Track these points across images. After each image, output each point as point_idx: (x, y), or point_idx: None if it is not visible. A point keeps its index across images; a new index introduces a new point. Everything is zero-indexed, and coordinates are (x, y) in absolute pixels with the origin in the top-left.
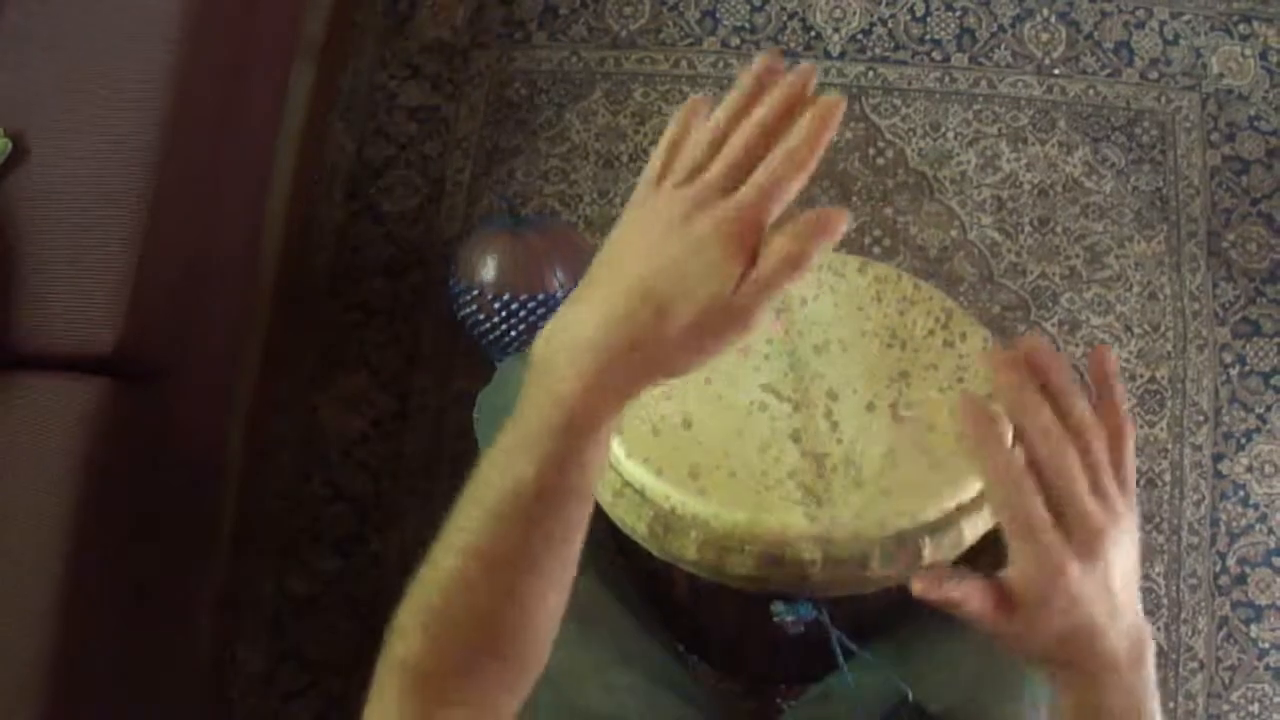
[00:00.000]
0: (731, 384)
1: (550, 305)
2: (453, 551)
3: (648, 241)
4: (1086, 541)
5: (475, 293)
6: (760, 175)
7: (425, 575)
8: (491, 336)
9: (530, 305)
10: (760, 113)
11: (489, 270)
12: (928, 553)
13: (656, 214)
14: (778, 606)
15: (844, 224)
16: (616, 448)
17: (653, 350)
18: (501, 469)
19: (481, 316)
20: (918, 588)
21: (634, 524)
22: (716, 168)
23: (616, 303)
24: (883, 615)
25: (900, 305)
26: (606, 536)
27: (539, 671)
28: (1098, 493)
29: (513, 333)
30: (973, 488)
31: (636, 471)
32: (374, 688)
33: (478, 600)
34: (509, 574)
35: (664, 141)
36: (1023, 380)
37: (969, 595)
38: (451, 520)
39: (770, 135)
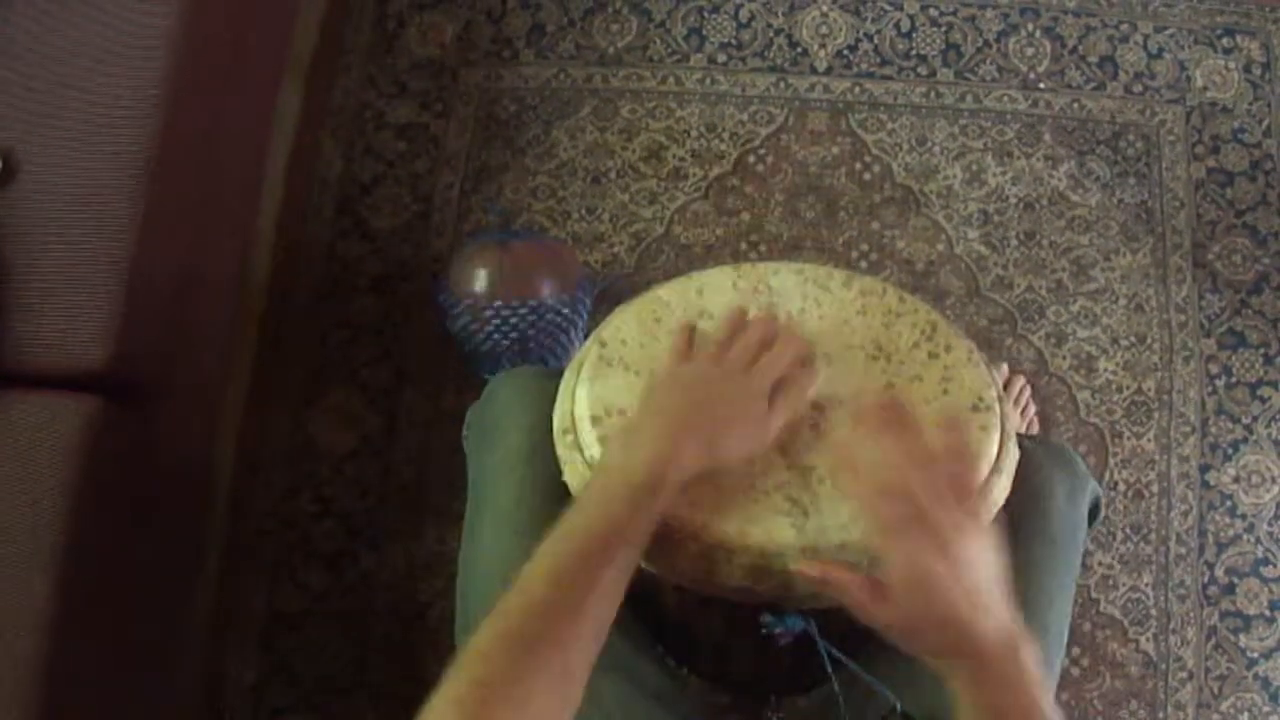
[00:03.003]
0: None
1: (541, 313)
2: (540, 581)
3: (694, 389)
4: (936, 540)
5: (467, 303)
6: (772, 356)
7: (510, 602)
8: (484, 347)
9: (522, 312)
10: (749, 339)
11: (480, 282)
12: None
13: (694, 374)
14: (766, 618)
15: (817, 382)
16: None
17: (706, 445)
18: (590, 521)
19: (475, 327)
20: (803, 567)
21: None
22: (737, 354)
23: (678, 418)
24: (870, 626)
25: (885, 318)
26: None
27: (585, 681)
28: (943, 508)
29: (505, 341)
30: None
31: None
32: (444, 704)
33: (558, 622)
34: (585, 605)
35: (678, 341)
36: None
37: (851, 582)
38: (536, 560)
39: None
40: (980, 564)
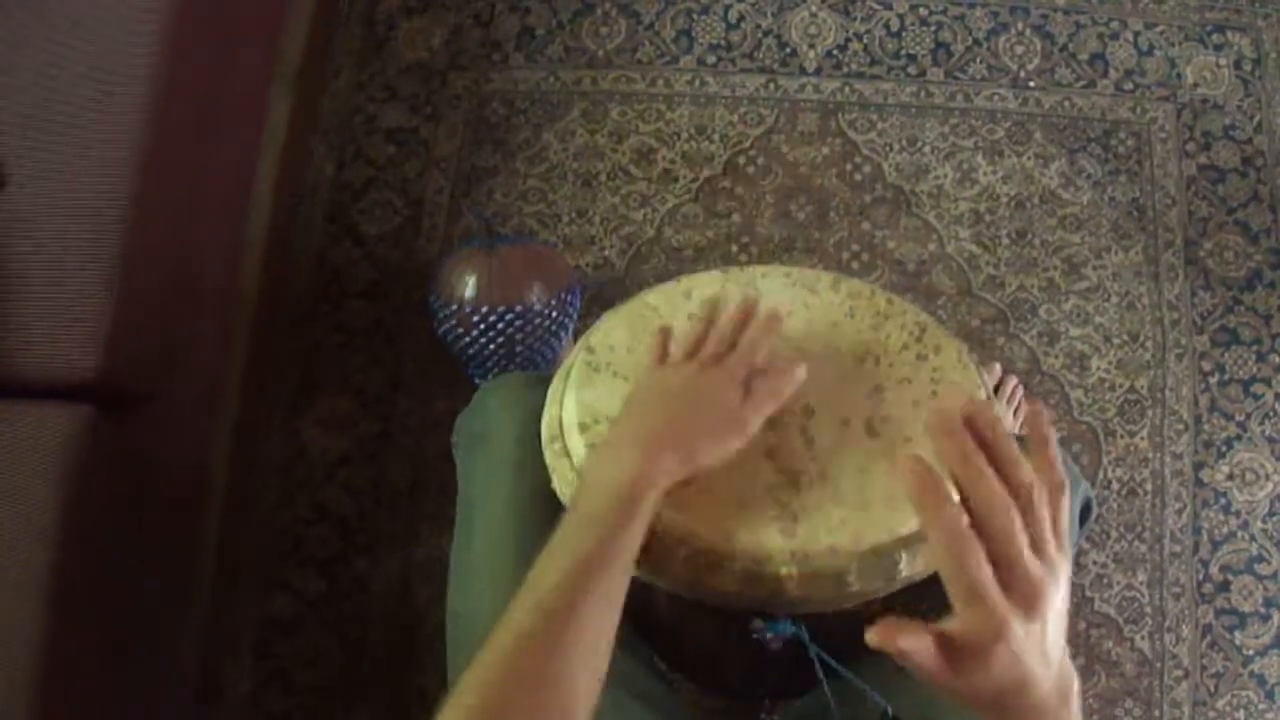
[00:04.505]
0: None
1: (528, 318)
2: (528, 611)
3: (668, 396)
4: (1028, 599)
5: (454, 308)
6: (744, 343)
7: (497, 636)
8: (471, 352)
9: (508, 318)
10: (722, 329)
11: (468, 287)
12: (904, 567)
13: (669, 379)
14: (757, 623)
15: (804, 374)
16: None
17: (683, 454)
18: (572, 546)
19: (461, 331)
20: (873, 639)
21: None
22: (709, 347)
23: (653, 431)
24: (862, 631)
25: (874, 320)
26: None
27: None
28: (1037, 550)
29: (491, 346)
30: None
31: None
32: None
33: (549, 657)
34: (574, 632)
35: (654, 345)
36: (965, 445)
37: (918, 649)
38: (523, 591)
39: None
40: (1062, 614)
